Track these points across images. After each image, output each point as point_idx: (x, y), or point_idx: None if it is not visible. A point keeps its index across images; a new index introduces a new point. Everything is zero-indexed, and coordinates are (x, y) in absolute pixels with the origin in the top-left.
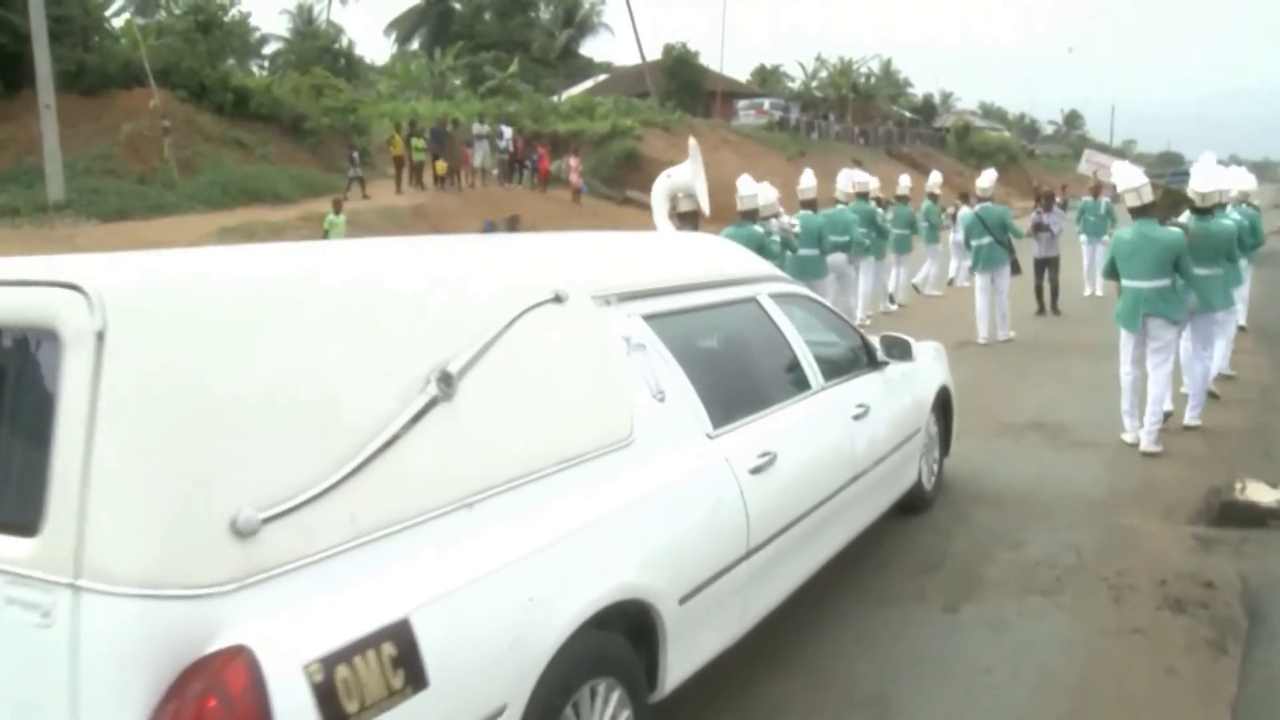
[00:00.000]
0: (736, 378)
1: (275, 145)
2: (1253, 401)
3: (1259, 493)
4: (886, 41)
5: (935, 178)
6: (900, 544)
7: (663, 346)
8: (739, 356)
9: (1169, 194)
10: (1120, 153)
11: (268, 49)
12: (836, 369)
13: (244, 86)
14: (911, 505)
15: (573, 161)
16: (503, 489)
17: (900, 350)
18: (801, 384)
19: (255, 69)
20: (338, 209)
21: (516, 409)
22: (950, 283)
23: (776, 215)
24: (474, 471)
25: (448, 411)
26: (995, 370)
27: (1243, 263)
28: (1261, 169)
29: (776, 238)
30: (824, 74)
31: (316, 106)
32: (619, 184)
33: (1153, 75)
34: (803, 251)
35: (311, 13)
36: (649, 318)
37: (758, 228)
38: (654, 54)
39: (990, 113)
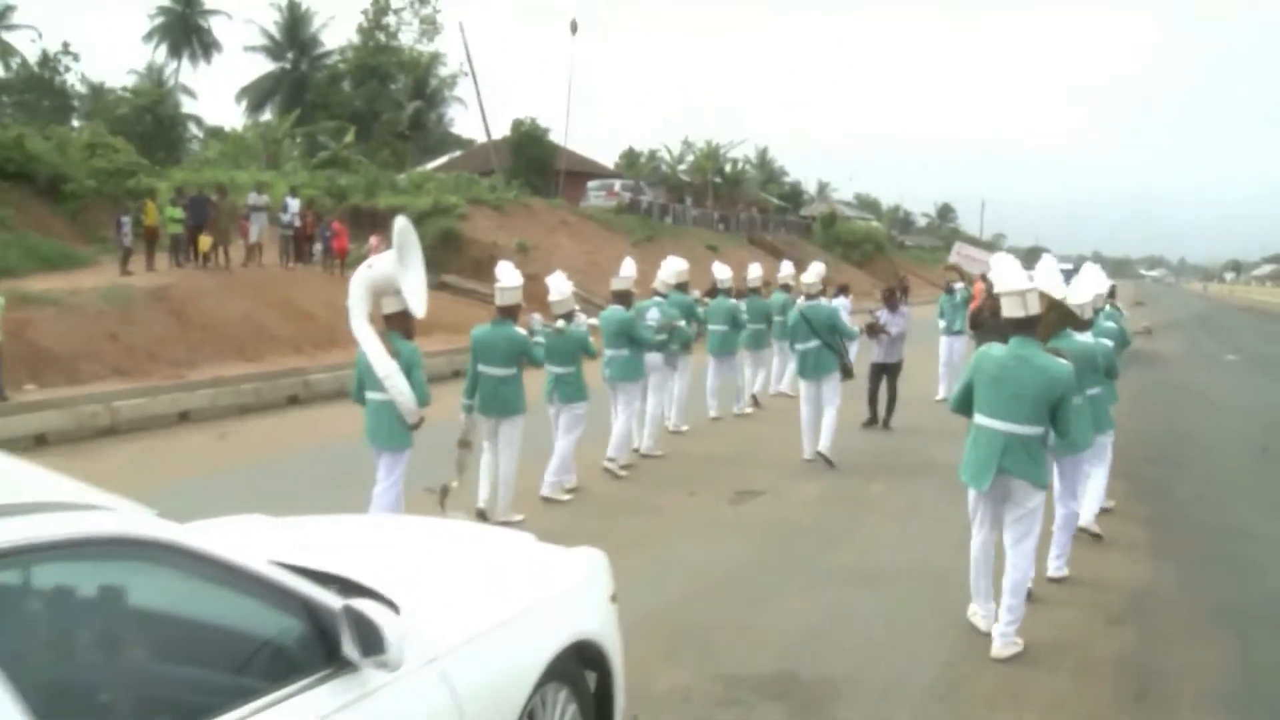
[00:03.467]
0: None
1: (22, 209)
2: (1123, 603)
3: None
4: (772, 132)
5: (786, 268)
6: None
7: None
8: None
9: (1055, 306)
10: (991, 246)
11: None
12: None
13: None
14: None
15: (373, 240)
16: None
17: (368, 641)
18: None
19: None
20: None
21: None
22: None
23: (572, 313)
24: None
25: None
26: (774, 543)
27: None
28: (1121, 266)
29: (541, 339)
30: (690, 157)
31: (85, 168)
32: (436, 267)
33: (1023, 176)
34: (609, 352)
35: (162, 74)
36: None
37: (519, 329)
38: (506, 130)
39: (865, 204)
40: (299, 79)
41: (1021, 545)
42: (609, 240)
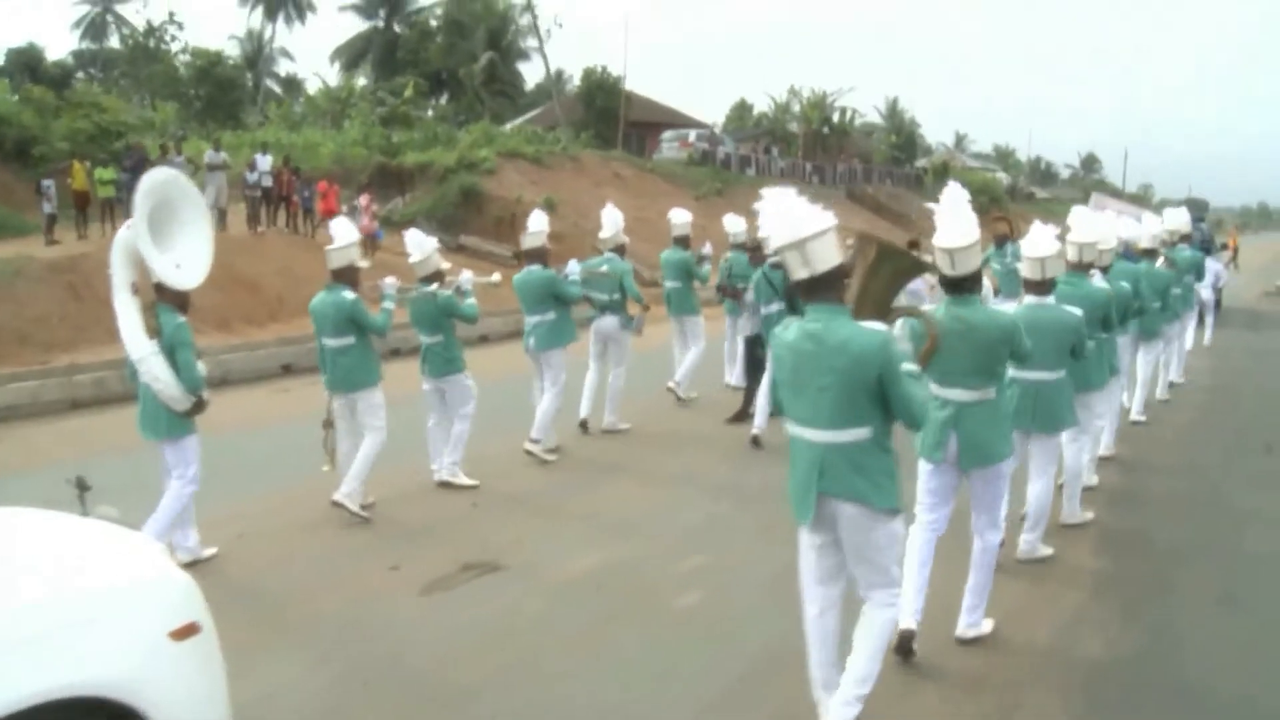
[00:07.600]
0: None
1: None
2: None
3: None
4: (909, 84)
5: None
6: None
7: None
8: None
9: (890, 257)
10: (1137, 198)
11: None
12: None
13: None
14: None
15: (363, 200)
16: None
17: None
18: None
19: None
20: None
21: None
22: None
23: (438, 272)
24: None
25: None
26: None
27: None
28: None
29: (390, 306)
30: (796, 107)
31: (64, 129)
32: (455, 227)
33: (1174, 121)
34: (532, 319)
35: (261, 38)
36: None
37: (347, 294)
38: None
39: (1003, 155)
40: (391, 38)
41: (874, 603)
42: (669, 195)
